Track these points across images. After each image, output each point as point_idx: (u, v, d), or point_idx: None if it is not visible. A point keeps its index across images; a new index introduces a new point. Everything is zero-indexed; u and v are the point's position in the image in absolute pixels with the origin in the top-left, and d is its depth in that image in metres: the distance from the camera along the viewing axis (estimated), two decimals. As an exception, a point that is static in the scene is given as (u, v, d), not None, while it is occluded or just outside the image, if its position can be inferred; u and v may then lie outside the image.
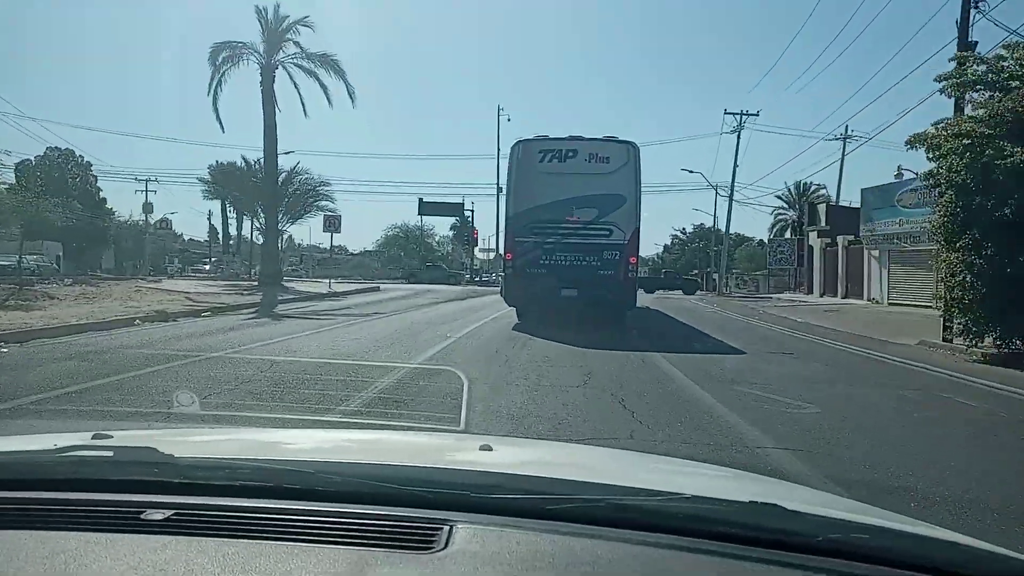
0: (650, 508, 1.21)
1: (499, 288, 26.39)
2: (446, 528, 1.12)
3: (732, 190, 46.15)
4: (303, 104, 32.02)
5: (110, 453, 1.33)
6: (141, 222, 62.54)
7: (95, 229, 52.10)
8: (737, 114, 44.17)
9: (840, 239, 33.53)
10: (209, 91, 30.43)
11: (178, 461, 1.29)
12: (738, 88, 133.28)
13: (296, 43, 30.73)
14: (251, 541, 1.08)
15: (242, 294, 23.98)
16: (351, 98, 31.40)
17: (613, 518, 1.17)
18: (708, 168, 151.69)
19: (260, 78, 30.23)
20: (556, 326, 12.99)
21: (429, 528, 1.12)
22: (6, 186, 56.04)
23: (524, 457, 2.09)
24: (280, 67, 30.78)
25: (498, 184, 53.96)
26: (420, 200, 53.82)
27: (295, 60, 30.93)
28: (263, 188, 32.99)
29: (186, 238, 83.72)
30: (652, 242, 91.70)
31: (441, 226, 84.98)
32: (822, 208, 39.83)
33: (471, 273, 56.93)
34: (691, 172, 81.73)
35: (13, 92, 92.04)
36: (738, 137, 44.32)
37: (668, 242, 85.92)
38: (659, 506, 1.22)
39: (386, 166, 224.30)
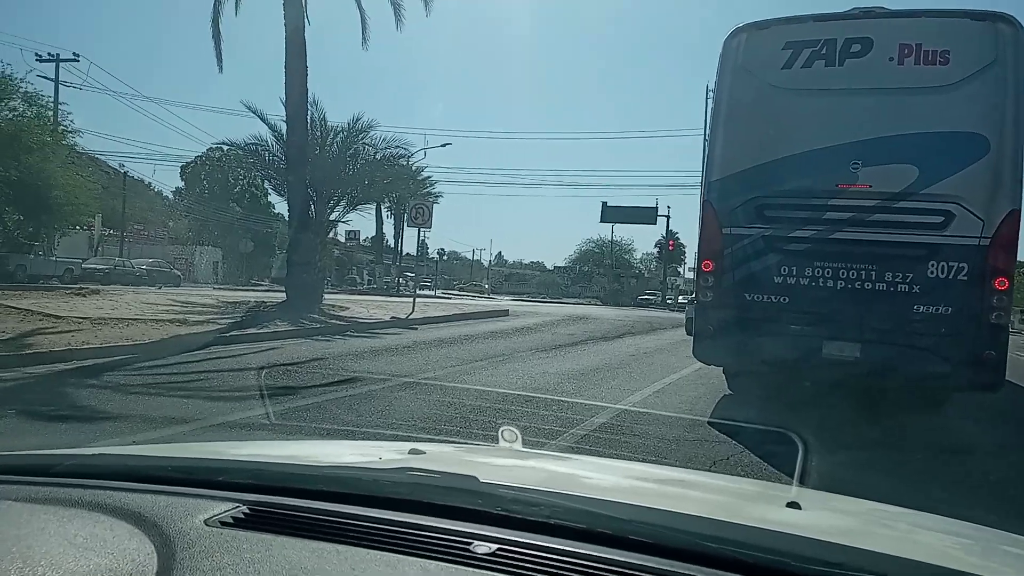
0: None
1: (686, 324, 16.81)
2: None
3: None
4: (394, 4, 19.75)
5: (439, 478, 1.43)
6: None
7: (257, 234, 49.22)
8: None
9: None
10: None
11: (501, 494, 1.34)
12: None
13: None
14: None
15: (183, 320, 13.21)
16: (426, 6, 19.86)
17: None
18: None
19: None
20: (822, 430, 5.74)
21: None
22: (172, 190, 56.27)
23: (838, 522, 1.80)
24: None
25: (703, 177, 43.76)
26: (603, 204, 45.16)
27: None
28: (288, 149, 19.41)
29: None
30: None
31: (643, 239, 75.66)
32: None
33: (664, 295, 46.84)
34: None
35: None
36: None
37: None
38: None
39: (551, 151, 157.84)
